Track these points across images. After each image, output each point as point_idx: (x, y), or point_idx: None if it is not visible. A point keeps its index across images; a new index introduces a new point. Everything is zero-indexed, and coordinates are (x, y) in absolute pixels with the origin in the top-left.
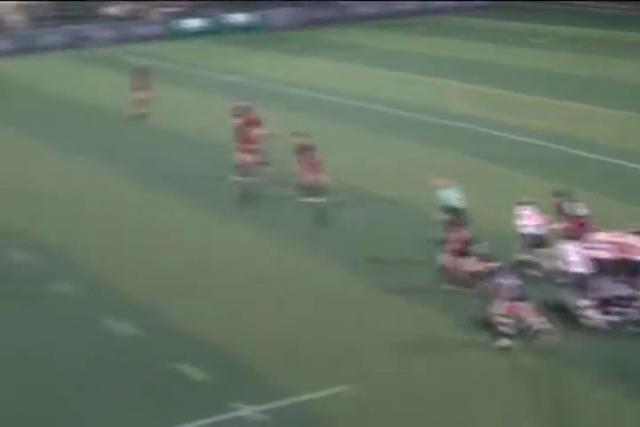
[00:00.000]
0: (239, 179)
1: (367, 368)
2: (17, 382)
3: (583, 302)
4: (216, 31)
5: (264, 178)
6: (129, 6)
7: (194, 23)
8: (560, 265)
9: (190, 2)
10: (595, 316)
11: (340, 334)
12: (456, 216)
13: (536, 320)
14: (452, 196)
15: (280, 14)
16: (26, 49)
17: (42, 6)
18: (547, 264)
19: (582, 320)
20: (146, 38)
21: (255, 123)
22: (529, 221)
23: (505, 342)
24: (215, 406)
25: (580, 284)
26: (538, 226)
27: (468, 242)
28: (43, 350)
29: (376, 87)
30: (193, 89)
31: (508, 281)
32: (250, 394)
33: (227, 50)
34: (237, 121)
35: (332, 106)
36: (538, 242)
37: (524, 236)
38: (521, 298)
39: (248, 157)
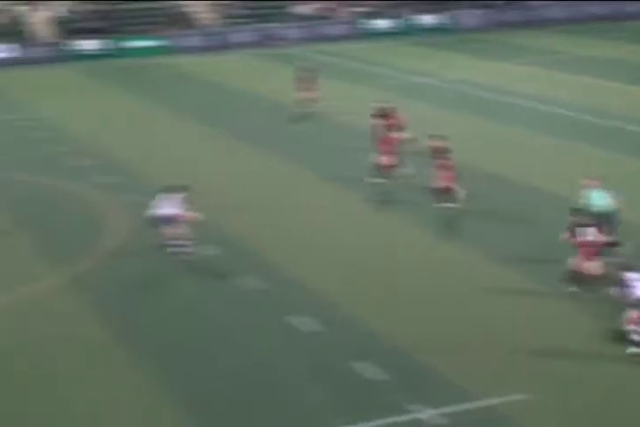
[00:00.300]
0: (377, 180)
1: (545, 374)
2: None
3: None
4: (405, 32)
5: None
6: (318, 5)
7: (382, 24)
8: None
9: (380, 2)
10: None
11: (512, 336)
12: (582, 218)
13: None
14: (598, 198)
15: (469, 16)
16: (217, 46)
17: (233, 5)
18: None
19: None
20: (334, 37)
21: (398, 125)
22: None
23: (634, 349)
24: (392, 407)
25: None
26: None
27: (599, 246)
28: (238, 348)
29: (568, 93)
30: (377, 89)
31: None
32: (428, 396)
33: (414, 51)
34: (378, 122)
35: (522, 110)
36: None
37: None
38: None
39: (385, 159)
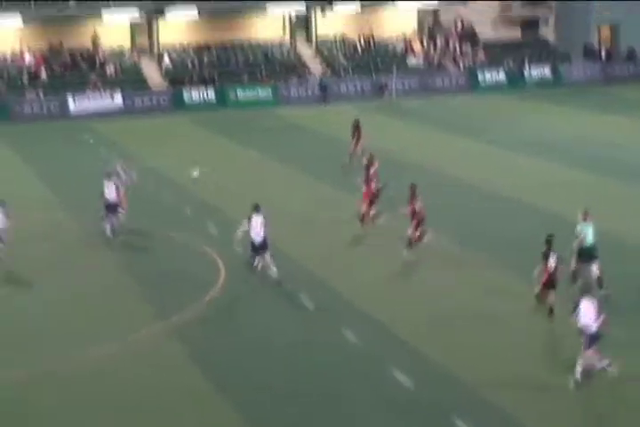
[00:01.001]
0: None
1: None
2: None
3: None
4: (512, 84)
5: None
6: (427, 57)
7: (490, 76)
8: None
9: (487, 54)
10: None
11: None
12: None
13: None
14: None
15: (577, 68)
16: (325, 97)
17: (343, 56)
18: None
19: None
20: (443, 89)
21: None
22: None
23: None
24: None
25: None
26: None
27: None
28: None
29: None
30: (483, 143)
31: None
32: None
33: (522, 104)
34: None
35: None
36: None
37: None
38: None
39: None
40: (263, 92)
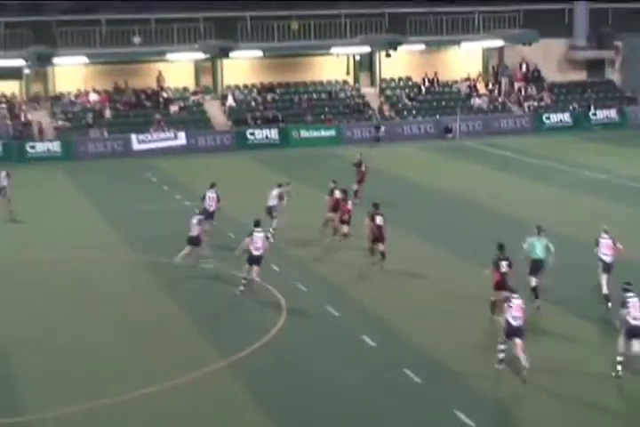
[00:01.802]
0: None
1: None
2: None
3: None
4: (578, 126)
5: None
6: (492, 98)
7: (556, 117)
8: None
9: (553, 95)
10: None
11: None
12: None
13: None
14: (538, 246)
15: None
16: (389, 137)
17: (408, 96)
18: None
19: None
20: (508, 131)
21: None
22: None
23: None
24: None
25: None
26: None
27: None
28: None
29: None
30: (552, 185)
31: None
32: None
33: (589, 146)
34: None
35: None
36: None
37: None
38: None
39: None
40: (327, 132)
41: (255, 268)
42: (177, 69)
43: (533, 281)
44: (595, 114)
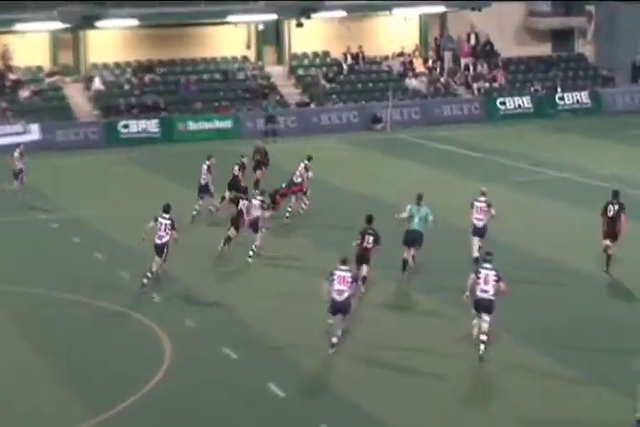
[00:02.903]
0: None
1: None
2: None
3: None
4: (538, 114)
5: None
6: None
7: (511, 103)
8: None
9: (508, 77)
10: None
11: None
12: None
13: None
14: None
15: (619, 95)
16: (302, 129)
17: (326, 77)
18: None
19: None
20: (450, 119)
21: None
22: None
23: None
24: None
25: None
26: None
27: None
28: None
29: None
30: (507, 186)
31: None
32: None
33: (552, 138)
34: None
35: None
36: None
37: None
38: None
39: None
40: (221, 123)
41: (157, 260)
42: (28, 43)
43: (405, 253)
44: (562, 98)
